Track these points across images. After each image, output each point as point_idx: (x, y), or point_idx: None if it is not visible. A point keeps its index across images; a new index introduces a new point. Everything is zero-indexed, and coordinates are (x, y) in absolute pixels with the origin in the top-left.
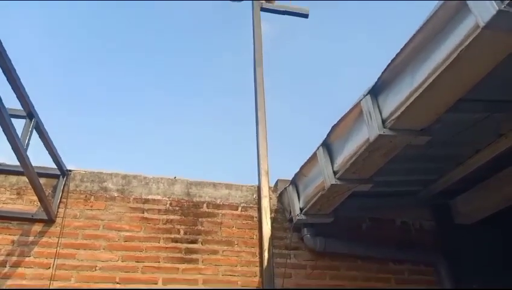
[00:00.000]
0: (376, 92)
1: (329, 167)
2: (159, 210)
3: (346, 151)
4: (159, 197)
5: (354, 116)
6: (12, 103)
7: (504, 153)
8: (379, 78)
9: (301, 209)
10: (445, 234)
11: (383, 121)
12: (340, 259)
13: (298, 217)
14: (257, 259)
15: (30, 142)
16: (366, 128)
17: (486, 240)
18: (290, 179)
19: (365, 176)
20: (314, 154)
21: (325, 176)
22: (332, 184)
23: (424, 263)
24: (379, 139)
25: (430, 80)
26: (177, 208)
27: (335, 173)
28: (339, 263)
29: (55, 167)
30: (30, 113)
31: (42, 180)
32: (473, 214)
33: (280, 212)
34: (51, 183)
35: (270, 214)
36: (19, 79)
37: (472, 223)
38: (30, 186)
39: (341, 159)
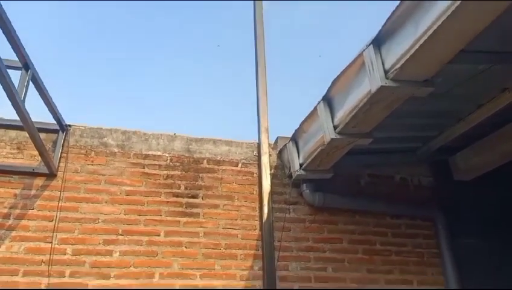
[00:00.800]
0: (379, 42)
1: (330, 121)
2: (160, 166)
3: (347, 105)
4: (159, 153)
5: (355, 68)
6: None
7: (506, 108)
8: (382, 28)
9: (301, 165)
10: (443, 190)
11: (386, 72)
12: (338, 214)
13: (298, 173)
14: (257, 213)
15: (28, 97)
16: (367, 80)
17: (484, 196)
18: (290, 136)
19: (365, 130)
20: (315, 109)
21: (325, 130)
22: (332, 138)
23: (421, 217)
24: (381, 91)
25: (433, 29)
26: (177, 164)
27: (335, 127)
28: (337, 218)
29: (54, 122)
30: (26, 64)
31: (42, 135)
32: (472, 171)
33: (280, 169)
34: (51, 138)
35: (270, 170)
36: (14, 31)
37: (471, 179)
38: (30, 141)
39: (341, 113)
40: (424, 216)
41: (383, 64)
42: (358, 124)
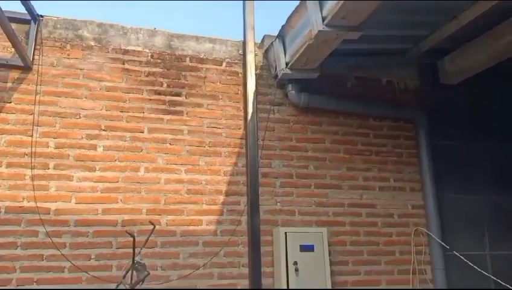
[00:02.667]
0: None
1: (318, 12)
2: (140, 62)
3: None
4: (139, 49)
5: None
6: None
7: (499, 5)
8: None
9: (287, 64)
10: (428, 93)
11: None
12: (322, 115)
13: (283, 72)
14: (241, 113)
15: None
16: None
17: (467, 100)
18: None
19: (354, 23)
20: (303, 1)
21: (313, 22)
22: (320, 30)
23: (404, 120)
24: None
25: None
26: (158, 61)
27: (323, 19)
28: (321, 119)
29: (25, 12)
30: None
31: (13, 26)
32: (459, 74)
33: (265, 69)
34: (23, 29)
35: (255, 70)
36: None
37: (457, 83)
38: (1, 32)
39: (330, 3)
40: (407, 118)
41: None
42: (348, 15)
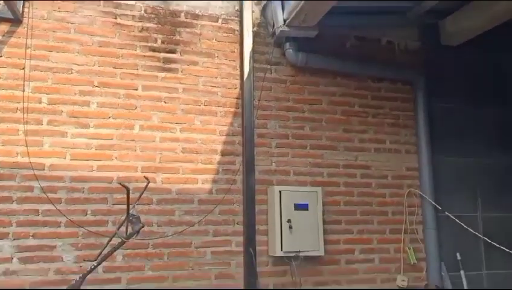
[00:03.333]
0: None
1: None
2: (133, 16)
3: None
4: (132, 2)
5: None
6: None
7: None
8: None
9: (285, 21)
10: (428, 55)
11: None
12: (320, 75)
13: (281, 29)
14: (237, 72)
15: None
16: None
17: (467, 62)
18: None
19: None
20: None
21: None
22: None
23: (402, 81)
24: None
25: None
26: (152, 16)
27: None
28: (318, 79)
29: None
30: None
31: None
32: (461, 35)
33: (263, 27)
34: None
35: (252, 28)
36: None
37: (458, 44)
38: None
39: None
40: (405, 80)
41: None
42: None
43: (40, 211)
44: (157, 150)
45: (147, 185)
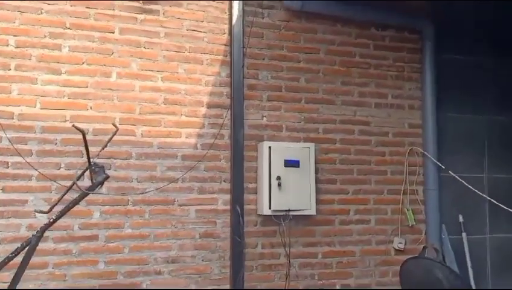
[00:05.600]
0: None
1: None
2: None
3: None
4: None
5: None
6: None
7: None
8: None
9: None
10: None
11: None
12: (318, 21)
13: None
14: (226, 16)
15: None
16: None
17: (482, 10)
18: None
19: None
20: None
21: None
22: None
23: (409, 29)
24: None
25: None
26: None
27: None
28: (316, 26)
29: None
30: None
31: None
32: None
33: None
34: None
35: None
36: None
37: None
38: None
39: None
40: (413, 28)
41: None
42: None
43: (9, 164)
44: (136, 100)
45: (115, 133)
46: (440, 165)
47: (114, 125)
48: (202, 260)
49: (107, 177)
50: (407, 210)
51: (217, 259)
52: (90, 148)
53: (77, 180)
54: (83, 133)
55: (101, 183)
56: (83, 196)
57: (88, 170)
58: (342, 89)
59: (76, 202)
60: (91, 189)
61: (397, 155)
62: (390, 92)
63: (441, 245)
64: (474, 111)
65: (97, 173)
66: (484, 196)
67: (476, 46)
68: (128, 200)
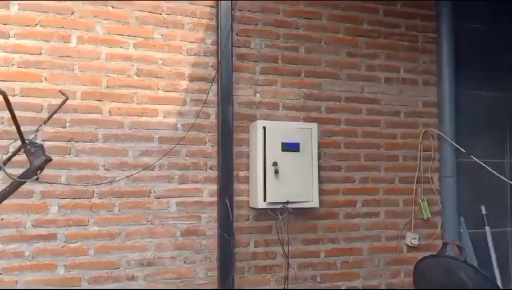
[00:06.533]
0: None
1: None
2: None
3: None
4: None
5: None
6: None
7: None
8: None
9: None
10: None
11: None
12: None
13: None
14: None
15: None
16: None
17: None
18: None
19: None
20: None
21: None
22: None
23: None
24: None
25: None
26: None
27: None
28: None
29: None
30: None
31: None
32: None
33: None
34: None
35: None
36: None
37: None
38: None
39: None
40: None
41: None
42: None
43: None
44: (102, 70)
45: (63, 102)
46: (460, 149)
47: (62, 93)
48: (184, 262)
49: (48, 159)
50: (422, 201)
51: (202, 260)
52: (47, 129)
53: (4, 164)
54: (4, 95)
55: (40, 168)
56: (16, 185)
57: (24, 151)
58: (347, 61)
59: (6, 194)
60: (26, 176)
61: (410, 138)
62: (403, 65)
63: (459, 241)
64: (496, 88)
65: (34, 155)
66: (509, 181)
67: (499, 13)
68: (94, 191)
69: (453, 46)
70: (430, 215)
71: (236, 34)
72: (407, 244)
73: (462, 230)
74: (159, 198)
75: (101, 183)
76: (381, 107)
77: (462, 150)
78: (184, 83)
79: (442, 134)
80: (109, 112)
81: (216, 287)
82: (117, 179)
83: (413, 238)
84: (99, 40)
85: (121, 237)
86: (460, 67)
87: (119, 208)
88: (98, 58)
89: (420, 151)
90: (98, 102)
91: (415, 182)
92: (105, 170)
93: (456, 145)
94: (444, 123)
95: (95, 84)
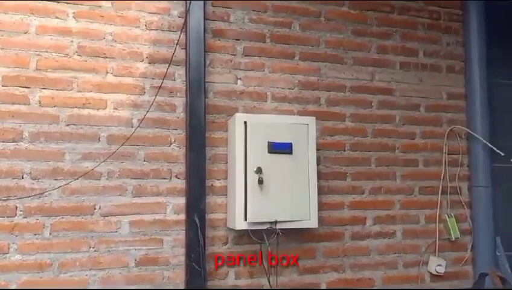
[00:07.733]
0: None
1: None
2: None
3: None
4: None
5: None
6: None
7: None
8: None
9: None
10: None
11: None
12: None
13: None
14: None
15: None
16: None
17: None
18: None
19: None
20: None
21: None
22: None
23: None
24: None
25: None
26: None
27: None
28: None
29: None
30: None
31: None
32: None
33: None
34: None
35: None
36: None
37: None
38: None
39: None
40: None
41: None
42: None
43: None
44: (31, 47)
45: None
46: (496, 150)
47: None
48: None
49: None
50: (448, 217)
51: None
52: None
53: None
54: None
55: None
56: None
57: None
58: (353, 42)
59: None
60: None
61: (432, 138)
62: (422, 47)
63: (495, 266)
64: None
65: None
66: None
67: None
68: (16, 207)
69: (484, 24)
70: (458, 235)
71: (212, 4)
72: (430, 273)
73: (498, 253)
74: (107, 216)
75: (26, 197)
76: (396, 99)
77: (500, 152)
78: (142, 66)
79: (472, 132)
80: (39, 102)
81: None
82: (48, 191)
83: (439, 265)
84: (28, 9)
85: (53, 269)
86: (492, 51)
87: (50, 231)
88: (25, 32)
89: (445, 154)
90: (24, 89)
91: (440, 193)
92: (32, 179)
93: (490, 146)
94: (475, 119)
95: (21, 65)
